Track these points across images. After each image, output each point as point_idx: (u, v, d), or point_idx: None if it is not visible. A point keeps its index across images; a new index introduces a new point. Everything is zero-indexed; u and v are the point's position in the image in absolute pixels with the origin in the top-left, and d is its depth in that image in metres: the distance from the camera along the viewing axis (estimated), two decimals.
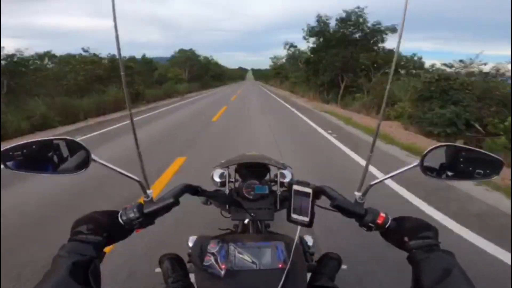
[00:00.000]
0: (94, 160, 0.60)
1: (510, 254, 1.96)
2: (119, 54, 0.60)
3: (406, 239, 0.59)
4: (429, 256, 0.54)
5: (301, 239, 1.07)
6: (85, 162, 0.60)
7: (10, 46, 12.93)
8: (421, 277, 0.52)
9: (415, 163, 0.64)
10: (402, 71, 15.97)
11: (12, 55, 9.95)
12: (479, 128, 8.30)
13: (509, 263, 1.90)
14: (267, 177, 1.07)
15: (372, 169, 3.52)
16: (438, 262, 0.53)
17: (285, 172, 1.01)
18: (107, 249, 0.58)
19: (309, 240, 1.09)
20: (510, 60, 5.13)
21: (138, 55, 25.22)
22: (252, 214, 0.91)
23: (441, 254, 0.55)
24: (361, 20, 16.40)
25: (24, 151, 0.59)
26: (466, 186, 3.24)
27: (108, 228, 0.58)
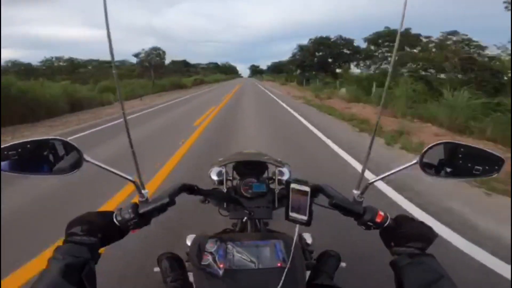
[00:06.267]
0: (87, 161, 0.59)
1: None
2: (112, 53, 0.59)
3: (392, 244, 0.60)
4: (411, 262, 0.54)
5: (300, 237, 1.06)
6: (78, 163, 0.60)
7: (3, 57, 12.29)
8: (406, 283, 0.52)
9: (414, 161, 0.63)
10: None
11: None
12: None
13: None
14: (265, 175, 1.06)
15: None
16: (422, 267, 0.53)
17: (283, 170, 1.00)
18: (102, 250, 0.57)
19: (308, 238, 1.08)
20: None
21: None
22: (250, 213, 0.90)
23: (424, 259, 0.54)
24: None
25: (19, 150, 0.58)
26: None
27: (103, 229, 0.58)
